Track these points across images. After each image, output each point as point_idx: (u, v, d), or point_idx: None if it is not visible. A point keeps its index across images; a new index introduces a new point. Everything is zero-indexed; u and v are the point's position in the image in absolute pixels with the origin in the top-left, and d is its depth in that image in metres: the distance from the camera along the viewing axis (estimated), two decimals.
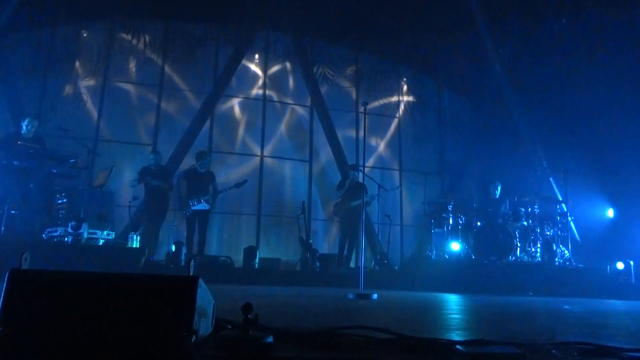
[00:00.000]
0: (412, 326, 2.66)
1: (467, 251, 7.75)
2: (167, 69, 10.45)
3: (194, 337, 1.33)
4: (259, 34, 11.03)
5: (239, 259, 8.04)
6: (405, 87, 12.10)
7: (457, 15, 9.80)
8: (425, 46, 10.89)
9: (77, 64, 9.88)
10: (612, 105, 8.13)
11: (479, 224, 7.83)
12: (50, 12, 9.05)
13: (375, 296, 4.64)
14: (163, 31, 10.48)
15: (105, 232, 6.67)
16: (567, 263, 7.71)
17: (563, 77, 9.10)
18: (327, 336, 1.71)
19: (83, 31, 10.03)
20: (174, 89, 10.47)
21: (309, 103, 11.23)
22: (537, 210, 7.80)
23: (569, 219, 8.14)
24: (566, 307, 4.77)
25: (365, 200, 6.21)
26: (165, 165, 8.69)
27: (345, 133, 11.22)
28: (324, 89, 11.13)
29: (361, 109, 10.09)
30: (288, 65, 11.32)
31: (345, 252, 8.66)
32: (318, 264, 7.96)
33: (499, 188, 8.32)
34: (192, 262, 1.63)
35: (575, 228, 8.75)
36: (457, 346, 1.62)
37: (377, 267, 8.69)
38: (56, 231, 6.38)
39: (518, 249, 7.55)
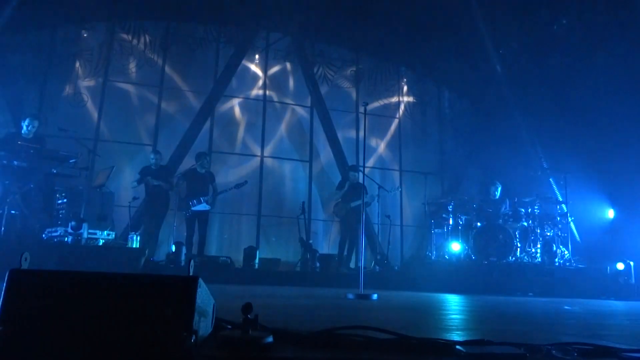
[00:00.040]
0: (412, 326, 2.66)
1: (467, 251, 7.75)
2: (167, 69, 10.46)
3: (194, 337, 1.33)
4: (259, 34, 11.04)
5: (239, 259, 8.05)
6: (405, 88, 12.11)
7: (457, 16, 9.79)
8: (425, 47, 10.88)
9: (77, 64, 9.90)
10: (612, 106, 8.12)
11: (479, 224, 7.83)
12: (51, 13, 9.04)
13: (375, 296, 4.63)
14: (163, 31, 10.49)
15: (105, 232, 6.67)
16: (567, 263, 7.71)
17: (563, 78, 9.10)
18: (327, 336, 1.71)
19: (83, 31, 10.06)
20: (174, 89, 10.48)
21: (309, 103, 11.23)
22: (537, 211, 7.79)
23: (569, 219, 8.14)
24: (566, 307, 4.77)
25: (365, 200, 6.20)
26: (165, 165, 8.69)
27: (346, 133, 11.23)
28: (324, 90, 11.14)
29: (361, 109, 10.08)
30: (288, 65, 11.33)
31: (345, 253, 8.67)
32: (318, 264, 7.97)
33: (499, 188, 8.31)
34: (192, 262, 1.62)
35: (575, 228, 8.74)
36: (457, 346, 1.61)
37: (377, 268, 8.68)
38: (56, 231, 6.39)
39: (518, 249, 7.54)
